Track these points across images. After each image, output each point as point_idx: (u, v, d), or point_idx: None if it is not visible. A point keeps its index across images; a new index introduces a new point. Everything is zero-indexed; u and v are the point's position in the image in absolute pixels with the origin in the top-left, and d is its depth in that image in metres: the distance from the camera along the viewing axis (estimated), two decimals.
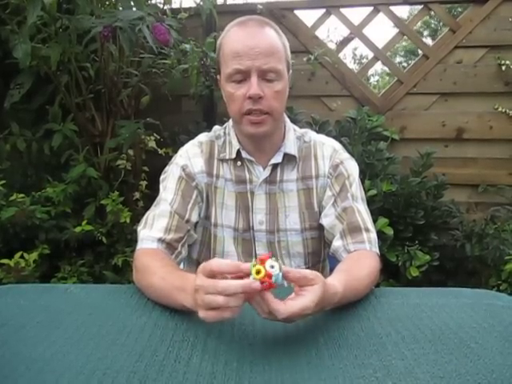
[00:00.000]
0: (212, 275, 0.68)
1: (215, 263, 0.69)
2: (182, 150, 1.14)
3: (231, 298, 0.66)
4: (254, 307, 0.71)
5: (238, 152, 1.09)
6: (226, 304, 0.66)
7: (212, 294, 0.66)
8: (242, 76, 0.98)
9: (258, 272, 0.66)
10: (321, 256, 1.18)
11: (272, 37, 1.00)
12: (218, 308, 0.67)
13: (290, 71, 1.07)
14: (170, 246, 1.00)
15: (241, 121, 1.02)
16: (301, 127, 1.20)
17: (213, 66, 2.14)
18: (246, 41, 0.98)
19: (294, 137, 1.12)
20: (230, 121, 1.13)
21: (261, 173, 1.09)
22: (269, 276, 0.66)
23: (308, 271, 0.72)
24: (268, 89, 0.98)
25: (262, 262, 0.67)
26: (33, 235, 2.15)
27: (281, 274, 0.67)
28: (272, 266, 0.66)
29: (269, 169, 1.09)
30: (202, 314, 0.69)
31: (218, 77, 1.08)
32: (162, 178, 1.12)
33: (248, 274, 0.67)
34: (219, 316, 0.67)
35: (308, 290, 0.70)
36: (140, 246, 1.00)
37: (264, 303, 0.68)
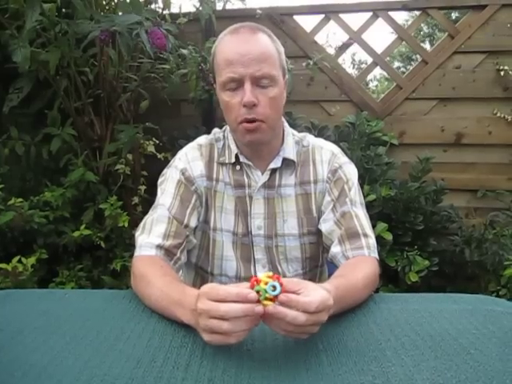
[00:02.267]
0: (217, 301, 0.66)
1: (223, 291, 0.67)
2: (181, 153, 1.13)
3: (237, 323, 0.65)
4: (271, 327, 0.70)
5: (237, 156, 1.08)
6: (230, 330, 0.65)
7: (216, 318, 0.65)
8: (236, 84, 0.97)
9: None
10: (318, 261, 1.17)
11: (265, 42, 0.99)
12: (222, 333, 0.66)
13: (287, 76, 1.06)
14: (169, 253, 0.99)
15: (237, 129, 1.01)
16: (300, 132, 1.19)
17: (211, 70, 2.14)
18: (237, 48, 0.97)
19: (292, 141, 1.12)
20: None
21: (259, 177, 1.09)
22: (273, 299, 0.66)
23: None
24: (262, 95, 0.97)
25: (261, 281, 0.67)
26: (31, 239, 2.15)
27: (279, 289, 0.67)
28: (274, 288, 0.66)
29: (267, 173, 1.08)
30: (206, 337, 0.68)
31: (214, 85, 1.07)
32: (159, 181, 1.11)
33: (256, 301, 0.66)
34: (224, 341, 0.67)
35: (306, 289, 0.70)
36: (138, 252, 0.98)
37: (285, 315, 0.66)
